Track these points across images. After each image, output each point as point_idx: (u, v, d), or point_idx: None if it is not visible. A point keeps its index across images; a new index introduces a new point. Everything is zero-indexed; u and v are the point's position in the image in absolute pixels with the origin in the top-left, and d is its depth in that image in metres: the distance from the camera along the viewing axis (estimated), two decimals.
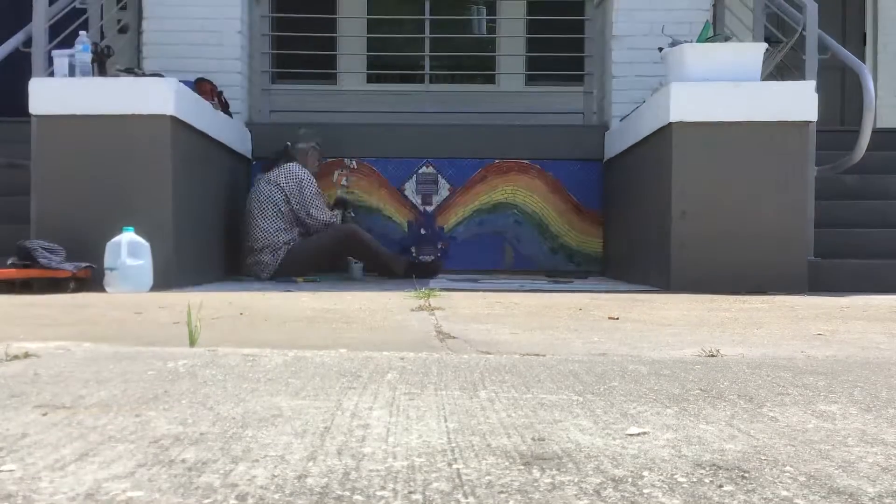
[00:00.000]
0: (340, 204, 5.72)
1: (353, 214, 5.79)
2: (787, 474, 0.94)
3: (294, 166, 5.35)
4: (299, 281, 5.04)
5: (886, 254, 4.82)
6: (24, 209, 4.37)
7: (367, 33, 7.97)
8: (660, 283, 4.45)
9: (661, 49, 4.66)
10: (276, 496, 0.83)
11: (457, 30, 8.41)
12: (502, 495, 0.85)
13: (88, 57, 4.34)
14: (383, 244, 5.65)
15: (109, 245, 4.02)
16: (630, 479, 0.91)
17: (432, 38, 6.76)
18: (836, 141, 5.34)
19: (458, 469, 0.94)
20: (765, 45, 4.50)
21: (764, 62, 4.44)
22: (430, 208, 6.24)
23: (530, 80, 8.04)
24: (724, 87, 4.28)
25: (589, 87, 6.47)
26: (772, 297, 4.02)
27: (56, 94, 4.28)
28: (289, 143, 5.44)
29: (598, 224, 6.19)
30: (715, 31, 6.04)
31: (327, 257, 5.40)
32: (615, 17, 5.92)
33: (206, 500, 0.82)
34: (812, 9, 4.85)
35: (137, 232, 4.08)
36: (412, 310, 3.13)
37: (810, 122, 4.34)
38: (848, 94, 7.48)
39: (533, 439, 1.09)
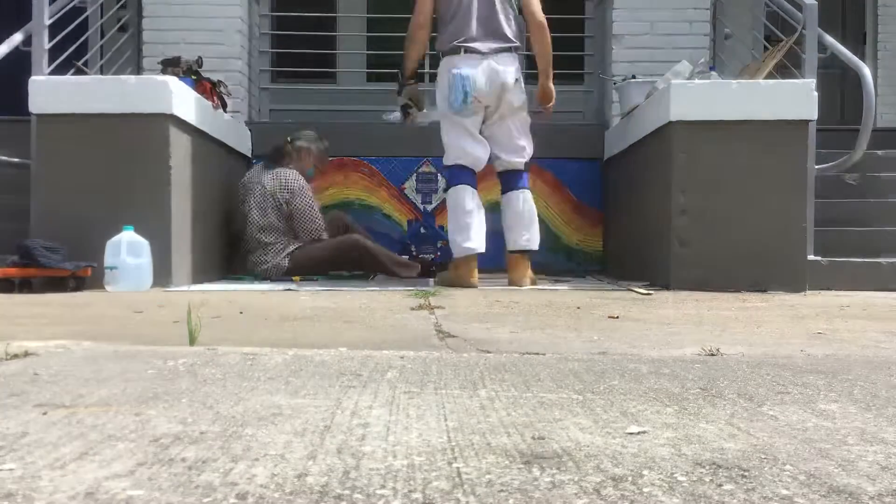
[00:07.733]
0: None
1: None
2: (787, 473, 0.94)
3: (287, 173, 5.19)
4: (298, 280, 5.02)
5: (886, 252, 4.81)
6: (24, 208, 4.37)
7: (367, 32, 7.96)
8: (660, 281, 4.44)
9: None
10: (276, 495, 0.83)
11: None
12: (502, 494, 0.84)
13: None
14: (383, 244, 5.61)
15: (109, 244, 4.02)
16: (630, 478, 0.91)
17: (432, 37, 6.73)
18: (837, 140, 5.34)
19: (458, 468, 0.94)
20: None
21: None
22: (430, 207, 6.24)
23: (530, 78, 8.01)
24: (724, 85, 4.28)
25: (589, 86, 6.47)
26: (772, 295, 4.02)
27: (56, 92, 4.27)
28: (289, 139, 5.34)
29: (597, 223, 6.18)
30: (715, 30, 6.04)
31: (332, 265, 5.34)
32: (615, 15, 5.91)
33: (206, 499, 0.82)
34: (812, 7, 4.84)
35: (137, 231, 4.08)
36: (412, 308, 3.13)
37: (810, 120, 4.33)
38: (848, 92, 7.47)
39: (533, 438, 1.09)
